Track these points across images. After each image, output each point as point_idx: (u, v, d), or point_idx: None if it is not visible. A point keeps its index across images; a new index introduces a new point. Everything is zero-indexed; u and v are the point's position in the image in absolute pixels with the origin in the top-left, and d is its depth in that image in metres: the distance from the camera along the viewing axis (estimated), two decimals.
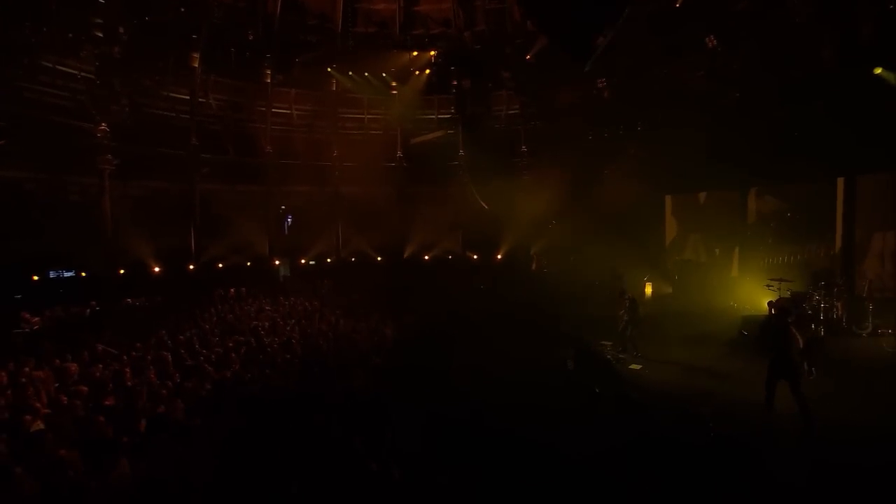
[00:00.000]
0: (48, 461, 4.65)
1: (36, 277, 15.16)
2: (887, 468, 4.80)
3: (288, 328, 11.09)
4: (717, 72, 11.50)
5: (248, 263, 19.65)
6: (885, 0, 8.19)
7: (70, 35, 11.10)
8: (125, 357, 8.08)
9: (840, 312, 9.36)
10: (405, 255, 21.35)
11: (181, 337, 9.58)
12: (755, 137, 11.64)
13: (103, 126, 13.50)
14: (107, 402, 6.36)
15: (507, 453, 4.86)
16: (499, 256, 21.09)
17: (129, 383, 6.91)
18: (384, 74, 18.27)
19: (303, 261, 21.42)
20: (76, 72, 13.26)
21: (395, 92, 18.87)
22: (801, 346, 6.27)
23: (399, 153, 20.02)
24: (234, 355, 8.39)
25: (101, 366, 7.67)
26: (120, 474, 4.12)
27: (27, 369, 7.44)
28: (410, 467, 4.60)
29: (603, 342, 10.32)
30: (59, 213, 14.96)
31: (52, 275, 15.52)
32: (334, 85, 18.46)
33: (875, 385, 7.19)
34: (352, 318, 12.30)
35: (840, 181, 10.72)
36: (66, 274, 15.89)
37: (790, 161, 11.04)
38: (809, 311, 9.25)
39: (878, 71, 8.71)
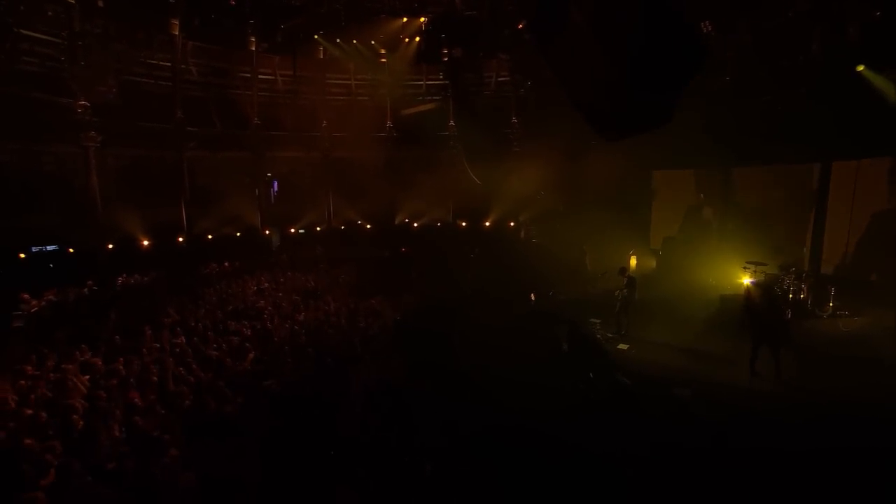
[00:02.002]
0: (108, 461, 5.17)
1: (23, 255, 14.99)
2: (841, 444, 5.68)
3: (291, 310, 11.48)
4: (711, 56, 11.68)
5: (238, 234, 19.66)
6: (871, 6, 8.55)
7: (49, 13, 10.43)
8: (144, 349, 8.40)
9: (805, 295, 10.30)
10: (395, 223, 21.61)
11: (192, 324, 9.92)
12: (743, 119, 12.10)
13: (83, 101, 12.99)
14: (136, 398, 6.80)
15: (514, 444, 5.52)
16: (487, 224, 21.56)
17: (155, 378, 7.31)
18: (373, 42, 17.69)
19: (292, 230, 21.48)
20: (50, 38, 12.56)
21: (384, 60, 18.37)
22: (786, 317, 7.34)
23: (389, 123, 19.76)
24: (248, 344, 8.82)
25: (122, 359, 8.00)
26: (186, 478, 4.62)
27: (51, 363, 7.77)
28: (435, 459, 5.25)
29: (592, 320, 11.03)
30: (35, 184, 14.60)
31: (34, 250, 15.32)
32: (321, 53, 17.84)
33: (827, 364, 8.12)
34: (352, 297, 12.73)
35: (816, 167, 11.37)
36: (49, 248, 15.70)
37: (774, 143, 11.63)
38: (779, 293, 10.16)
39: (861, 68, 9.20)
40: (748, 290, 8.65)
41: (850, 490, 4.99)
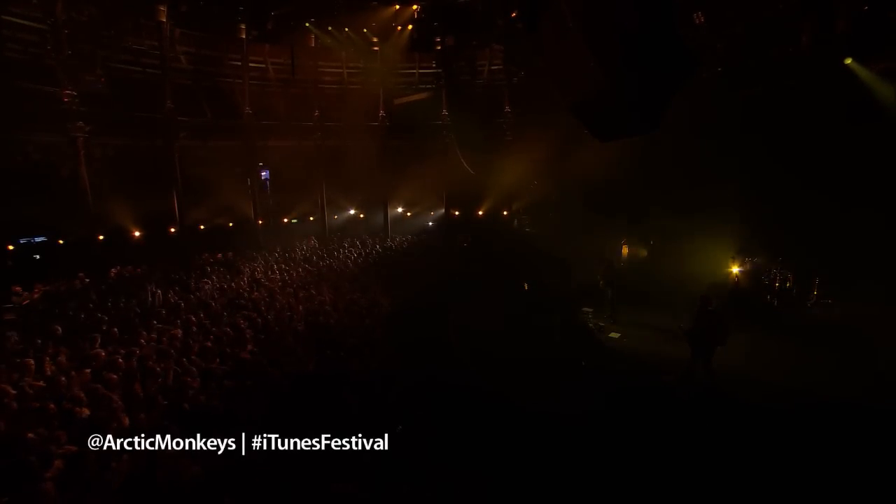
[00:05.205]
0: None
1: (11, 247, 14.87)
2: (821, 426, 5.99)
3: (287, 301, 11.52)
4: (702, 47, 11.77)
5: (231, 224, 19.57)
6: (859, 1, 8.73)
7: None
8: (143, 341, 8.43)
9: (791, 283, 10.59)
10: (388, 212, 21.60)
11: (189, 315, 9.93)
12: (729, 111, 12.24)
13: (70, 90, 12.75)
14: (138, 390, 6.87)
15: (512, 430, 5.73)
16: (480, 213, 21.66)
17: (158, 369, 7.36)
18: (365, 30, 17.50)
19: (285, 220, 21.42)
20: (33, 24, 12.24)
21: (376, 49, 18.19)
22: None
23: (381, 112, 19.64)
24: (247, 335, 8.88)
25: (123, 350, 8.04)
26: (192, 473, 4.73)
27: (47, 357, 7.77)
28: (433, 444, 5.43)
29: (585, 308, 11.26)
30: (21, 174, 14.39)
31: (22, 241, 15.17)
32: (313, 41, 17.61)
33: (809, 350, 8.46)
34: (347, 288, 12.79)
35: (800, 158, 11.54)
36: (37, 239, 15.55)
37: (758, 135, 11.81)
38: (766, 282, 10.47)
39: (848, 61, 9.39)
40: (736, 278, 8.88)
41: (831, 466, 5.27)
